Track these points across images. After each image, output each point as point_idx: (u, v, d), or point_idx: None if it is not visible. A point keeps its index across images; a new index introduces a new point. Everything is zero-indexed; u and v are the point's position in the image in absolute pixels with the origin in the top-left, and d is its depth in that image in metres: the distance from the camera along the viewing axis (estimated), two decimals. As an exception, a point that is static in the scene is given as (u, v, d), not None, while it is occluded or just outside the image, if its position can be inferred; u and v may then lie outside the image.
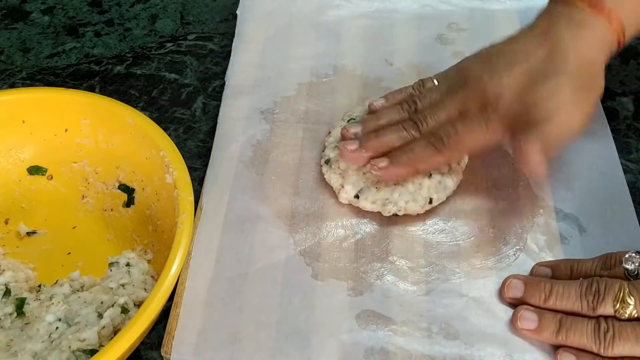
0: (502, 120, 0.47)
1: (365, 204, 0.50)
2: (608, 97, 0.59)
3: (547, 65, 0.47)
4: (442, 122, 0.49)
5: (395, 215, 0.50)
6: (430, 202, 0.50)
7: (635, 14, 0.49)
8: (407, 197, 0.49)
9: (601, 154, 0.54)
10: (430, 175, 0.50)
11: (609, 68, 0.59)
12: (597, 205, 0.51)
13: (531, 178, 0.47)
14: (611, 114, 0.58)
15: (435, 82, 0.52)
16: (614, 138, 0.55)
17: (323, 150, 0.54)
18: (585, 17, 0.48)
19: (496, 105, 0.47)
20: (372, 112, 0.53)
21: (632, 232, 0.49)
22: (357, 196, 0.50)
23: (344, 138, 0.51)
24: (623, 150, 0.56)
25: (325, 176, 0.52)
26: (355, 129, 0.51)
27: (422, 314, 0.45)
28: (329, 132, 0.55)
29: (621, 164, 0.54)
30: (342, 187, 0.51)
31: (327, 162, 0.52)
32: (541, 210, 0.50)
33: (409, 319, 0.45)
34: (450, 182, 0.51)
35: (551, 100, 0.45)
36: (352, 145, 0.49)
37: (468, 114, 0.48)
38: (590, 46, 0.47)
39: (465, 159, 0.52)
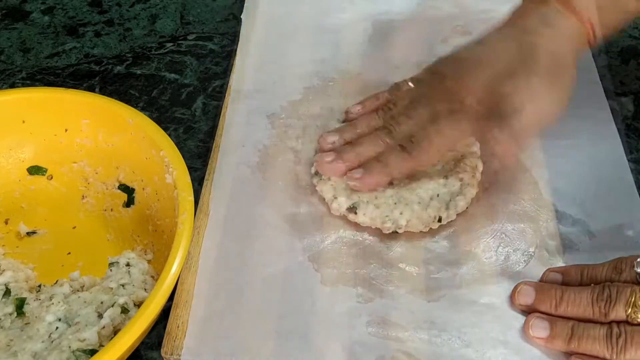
0: (471, 120, 0.48)
1: (364, 219, 0.49)
2: (608, 97, 0.59)
3: (515, 62, 0.47)
4: (414, 127, 0.49)
5: (396, 232, 0.49)
6: (440, 220, 0.49)
7: (603, 16, 0.49)
8: (409, 215, 0.49)
9: (609, 158, 0.53)
10: (438, 195, 0.50)
11: (608, 68, 0.59)
12: (605, 210, 0.50)
13: (503, 167, 0.48)
14: (611, 114, 0.58)
15: (411, 84, 0.52)
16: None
17: (315, 160, 0.53)
18: (557, 15, 0.49)
19: (464, 105, 0.48)
20: (349, 119, 0.54)
21: None
22: (354, 210, 0.49)
23: (321, 149, 0.52)
24: (623, 150, 0.55)
25: (317, 188, 0.52)
26: (333, 138, 0.52)
27: (433, 321, 0.44)
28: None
29: (621, 164, 0.53)
30: (335, 198, 0.50)
31: (317, 173, 0.52)
32: (550, 215, 0.50)
33: (420, 326, 0.44)
34: (463, 201, 0.50)
35: (519, 94, 0.46)
36: (329, 157, 0.50)
37: (438, 116, 0.48)
38: (560, 43, 0.48)
39: (480, 168, 0.52)
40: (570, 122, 0.54)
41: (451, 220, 0.50)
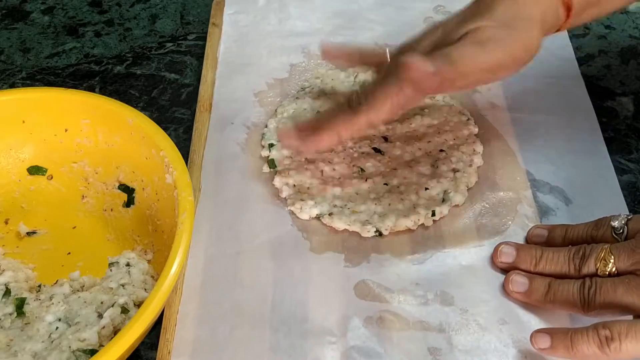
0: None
1: (339, 224, 0.49)
2: (608, 97, 0.59)
3: (469, 13, 0.46)
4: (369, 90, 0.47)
5: (380, 234, 0.49)
6: (433, 214, 0.49)
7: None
8: (394, 217, 0.49)
9: (583, 128, 0.56)
10: (427, 188, 0.50)
11: (608, 68, 0.59)
12: (581, 178, 0.52)
13: (414, 92, 0.44)
14: (611, 114, 0.58)
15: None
16: (613, 138, 0.56)
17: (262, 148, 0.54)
18: None
19: (411, 57, 0.44)
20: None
21: (617, 203, 0.50)
22: (330, 213, 0.49)
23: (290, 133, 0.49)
24: (623, 150, 0.56)
25: (275, 183, 0.52)
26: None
27: (418, 283, 0.47)
28: (264, 131, 0.56)
29: (621, 163, 0.54)
30: (303, 201, 0.50)
31: (272, 165, 0.52)
32: (528, 184, 0.52)
33: (406, 288, 0.46)
34: (459, 197, 0.50)
35: (465, 38, 0.44)
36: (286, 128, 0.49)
37: (385, 74, 0.47)
38: (525, 4, 0.45)
39: (480, 150, 0.53)
40: (547, 98, 0.57)
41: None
